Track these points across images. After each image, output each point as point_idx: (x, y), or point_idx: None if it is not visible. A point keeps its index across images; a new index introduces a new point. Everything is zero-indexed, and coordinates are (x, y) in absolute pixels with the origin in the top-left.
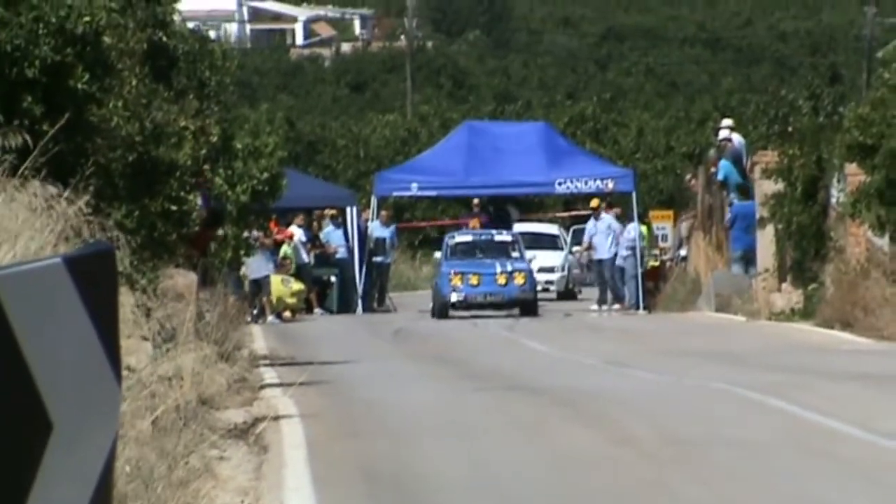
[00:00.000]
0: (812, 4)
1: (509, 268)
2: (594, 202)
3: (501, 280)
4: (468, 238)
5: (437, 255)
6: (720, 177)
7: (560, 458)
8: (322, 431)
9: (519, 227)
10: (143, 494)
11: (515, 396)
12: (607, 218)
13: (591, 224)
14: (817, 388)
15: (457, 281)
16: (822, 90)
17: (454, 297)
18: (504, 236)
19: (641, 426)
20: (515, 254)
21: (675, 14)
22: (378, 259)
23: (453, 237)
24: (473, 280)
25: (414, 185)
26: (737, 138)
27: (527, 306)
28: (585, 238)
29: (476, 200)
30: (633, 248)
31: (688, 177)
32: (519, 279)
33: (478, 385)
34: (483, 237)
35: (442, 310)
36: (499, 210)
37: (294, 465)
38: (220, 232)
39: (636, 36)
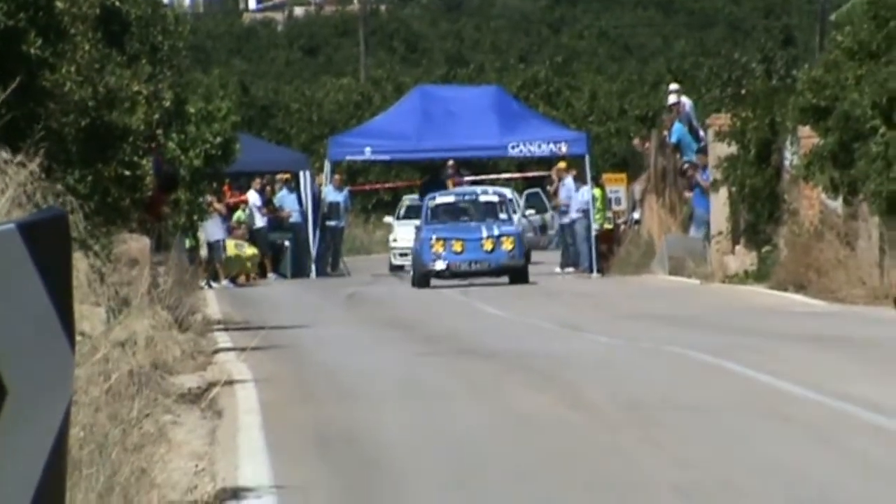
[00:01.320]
0: None
1: (496, 232)
2: (562, 164)
3: (488, 245)
4: (450, 199)
5: (389, 219)
6: (673, 139)
7: (514, 421)
8: (276, 396)
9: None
10: (98, 459)
11: (469, 360)
12: (570, 181)
13: (569, 184)
14: (771, 350)
15: (439, 247)
16: (775, 53)
17: (436, 266)
18: (490, 196)
19: (596, 389)
20: (503, 216)
21: None
22: (332, 223)
23: (434, 198)
24: (457, 246)
25: (367, 149)
26: (685, 101)
27: (516, 274)
28: (564, 197)
29: (451, 161)
30: (585, 211)
31: (636, 140)
32: (507, 244)
33: (432, 349)
34: (467, 197)
35: (422, 279)
36: (438, 175)
37: (248, 429)
38: (174, 197)
39: None
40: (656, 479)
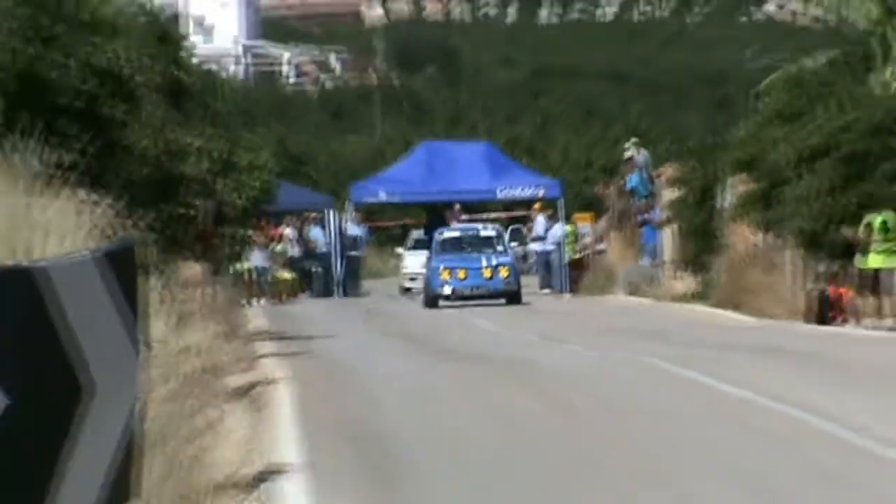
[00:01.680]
0: (705, 45)
1: (494, 262)
2: (538, 206)
3: (487, 273)
4: (456, 234)
5: (399, 249)
6: (629, 186)
7: (504, 419)
8: (309, 393)
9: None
10: (161, 445)
11: (466, 366)
12: (540, 217)
13: (542, 221)
14: (717, 358)
15: (446, 275)
16: (713, 117)
17: (444, 290)
18: (489, 231)
19: (574, 394)
20: (500, 248)
21: (592, 54)
22: (352, 253)
23: (442, 233)
24: (461, 274)
25: (382, 192)
26: (643, 152)
27: (511, 297)
28: (541, 231)
29: (457, 205)
30: (559, 244)
31: (596, 187)
32: (503, 272)
33: (437, 357)
34: (469, 232)
35: (432, 301)
36: (439, 214)
37: (285, 421)
38: (222, 231)
39: (561, 72)
40: (625, 474)
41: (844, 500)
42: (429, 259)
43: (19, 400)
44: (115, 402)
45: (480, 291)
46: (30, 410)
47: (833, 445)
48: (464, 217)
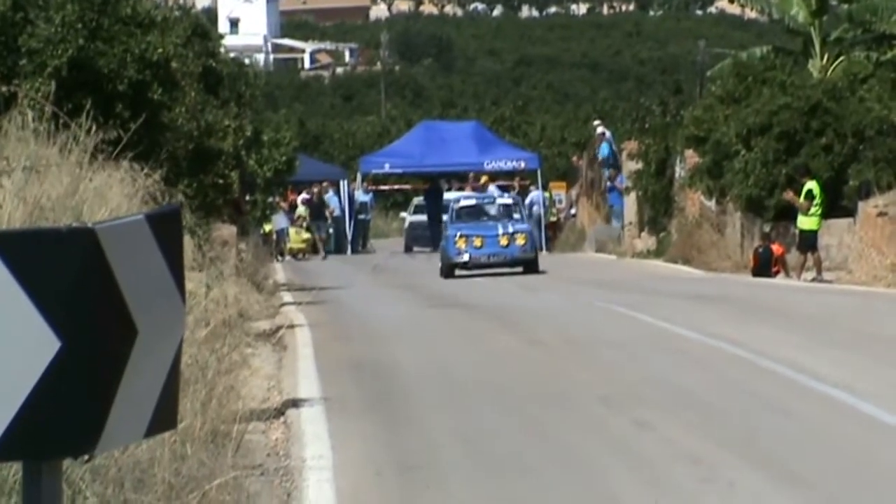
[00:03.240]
0: (663, 39)
1: (510, 229)
2: (485, 178)
3: (503, 241)
4: (472, 202)
5: (403, 213)
6: (602, 156)
7: (489, 352)
8: (324, 335)
9: (455, 195)
10: (200, 379)
11: (458, 311)
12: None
13: (534, 194)
14: (668, 304)
15: (461, 243)
16: (669, 99)
17: (461, 259)
18: (506, 199)
19: (547, 331)
20: (517, 216)
21: (567, 46)
22: (361, 216)
23: (458, 201)
24: (477, 242)
25: (387, 164)
26: (607, 132)
27: (528, 265)
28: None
29: (484, 178)
30: (535, 206)
31: (574, 157)
32: (520, 240)
33: (432, 303)
34: (486, 200)
35: (449, 270)
36: (435, 183)
37: (304, 359)
38: (252, 198)
39: (539, 61)
40: (587, 391)
41: (753, 406)
42: (444, 227)
43: (74, 341)
44: (164, 342)
45: (497, 259)
46: (88, 350)
47: (751, 369)
48: (456, 186)
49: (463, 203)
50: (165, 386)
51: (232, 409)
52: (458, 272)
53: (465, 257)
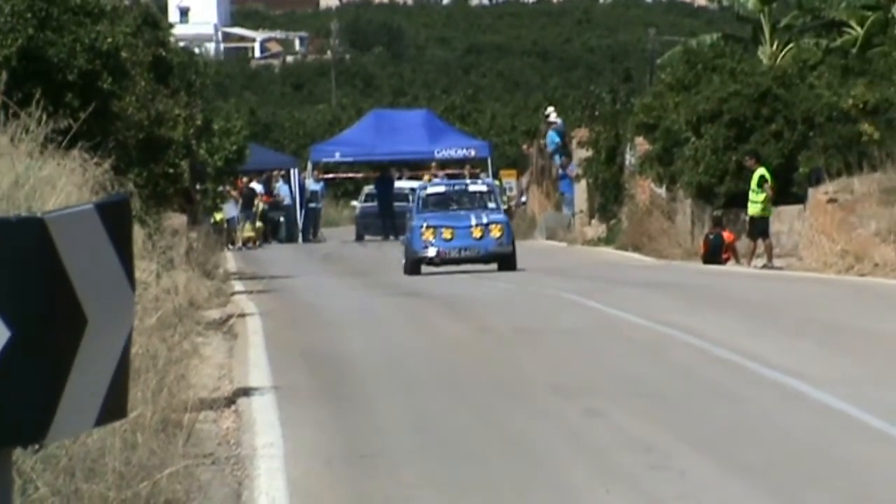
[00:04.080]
0: (613, 27)
1: (485, 220)
2: (427, 177)
3: (477, 233)
4: (441, 189)
5: (354, 202)
6: (552, 144)
7: (440, 340)
8: (274, 324)
9: (407, 184)
10: (151, 369)
11: (409, 300)
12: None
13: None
14: (618, 291)
15: (429, 235)
16: (619, 87)
17: (427, 253)
18: (479, 186)
19: (497, 319)
20: (492, 204)
21: (517, 34)
22: (312, 205)
23: (425, 188)
24: (447, 234)
25: (337, 153)
26: (559, 120)
27: (504, 260)
28: None
29: (440, 173)
30: None
31: (524, 146)
32: (495, 231)
33: (384, 292)
34: (457, 187)
35: (414, 266)
36: (386, 171)
37: (255, 347)
38: (202, 187)
39: (490, 49)
40: (537, 379)
41: (704, 393)
42: (409, 218)
43: (24, 331)
44: (113, 331)
45: (469, 254)
46: (37, 339)
47: (702, 357)
48: (408, 174)
49: (430, 189)
50: (115, 375)
51: (182, 398)
52: (424, 269)
53: (433, 251)
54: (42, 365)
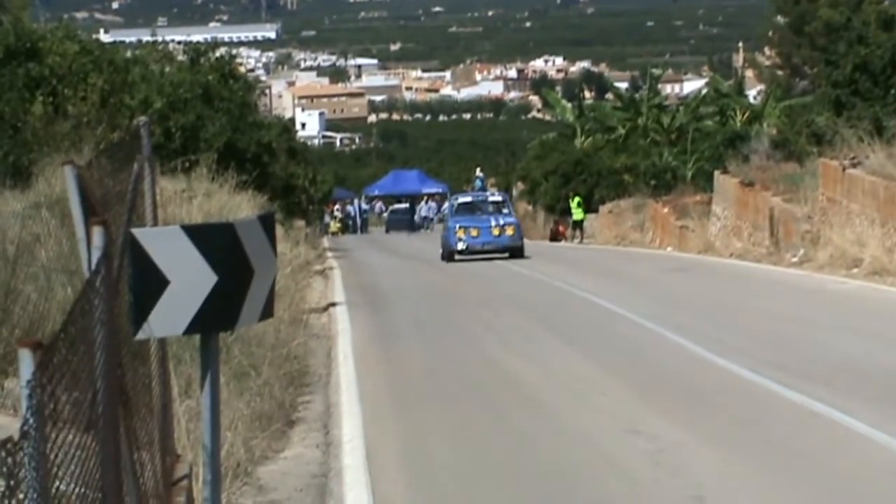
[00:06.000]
0: (513, 129)
1: (501, 222)
2: (437, 197)
3: (496, 232)
4: (469, 199)
5: (384, 214)
6: (476, 185)
7: (426, 281)
8: (346, 271)
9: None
10: (287, 293)
11: (416, 262)
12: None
13: (447, 203)
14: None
15: (461, 233)
16: (510, 159)
17: (459, 246)
18: (496, 197)
19: (455, 271)
20: (505, 210)
21: (464, 134)
22: (365, 216)
23: (457, 198)
24: (474, 232)
25: (376, 190)
26: (482, 175)
27: (515, 251)
28: (425, 210)
29: (433, 198)
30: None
31: (466, 186)
32: (509, 231)
33: (399, 258)
34: (480, 198)
35: (449, 256)
36: (411, 199)
37: (337, 283)
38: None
39: (450, 143)
40: (472, 297)
41: (551, 304)
42: (445, 220)
43: (224, 276)
44: (266, 275)
45: (490, 247)
46: (232, 280)
47: (549, 285)
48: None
49: (461, 200)
50: (268, 296)
51: (302, 307)
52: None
53: (463, 245)
54: (232, 291)
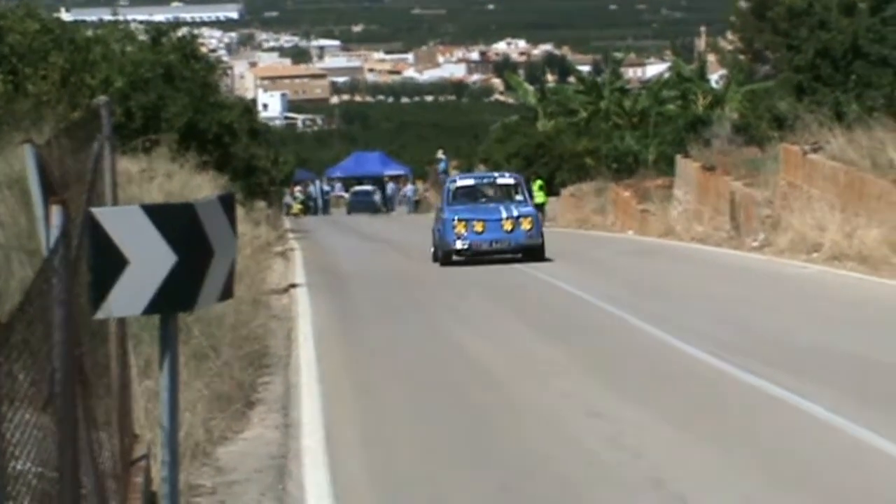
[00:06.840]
0: (475, 112)
1: (515, 212)
2: (403, 180)
3: (508, 226)
4: (470, 182)
5: (346, 195)
6: (440, 168)
7: (389, 262)
8: (307, 253)
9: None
10: (247, 274)
11: (378, 244)
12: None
13: (409, 186)
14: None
15: (461, 228)
16: (472, 143)
17: (458, 245)
18: (507, 179)
19: (417, 253)
20: (519, 197)
21: (428, 118)
22: (327, 197)
23: (454, 181)
24: (478, 227)
25: (338, 172)
26: (445, 157)
27: (534, 252)
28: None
29: (387, 180)
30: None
31: (430, 168)
32: (525, 224)
33: (365, 240)
34: (485, 180)
35: (446, 258)
36: (377, 180)
37: (297, 264)
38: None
39: (412, 125)
40: (435, 280)
41: (512, 287)
42: (439, 210)
43: (183, 256)
44: (225, 257)
45: (500, 246)
46: (191, 260)
47: (513, 269)
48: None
49: (460, 183)
50: (227, 276)
51: (262, 288)
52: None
53: (464, 244)
54: (192, 272)
